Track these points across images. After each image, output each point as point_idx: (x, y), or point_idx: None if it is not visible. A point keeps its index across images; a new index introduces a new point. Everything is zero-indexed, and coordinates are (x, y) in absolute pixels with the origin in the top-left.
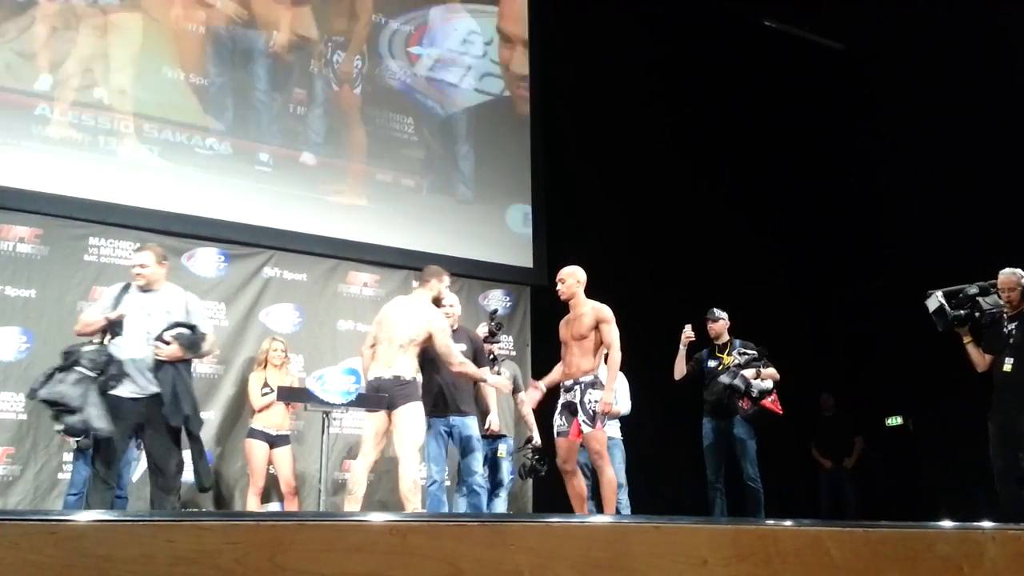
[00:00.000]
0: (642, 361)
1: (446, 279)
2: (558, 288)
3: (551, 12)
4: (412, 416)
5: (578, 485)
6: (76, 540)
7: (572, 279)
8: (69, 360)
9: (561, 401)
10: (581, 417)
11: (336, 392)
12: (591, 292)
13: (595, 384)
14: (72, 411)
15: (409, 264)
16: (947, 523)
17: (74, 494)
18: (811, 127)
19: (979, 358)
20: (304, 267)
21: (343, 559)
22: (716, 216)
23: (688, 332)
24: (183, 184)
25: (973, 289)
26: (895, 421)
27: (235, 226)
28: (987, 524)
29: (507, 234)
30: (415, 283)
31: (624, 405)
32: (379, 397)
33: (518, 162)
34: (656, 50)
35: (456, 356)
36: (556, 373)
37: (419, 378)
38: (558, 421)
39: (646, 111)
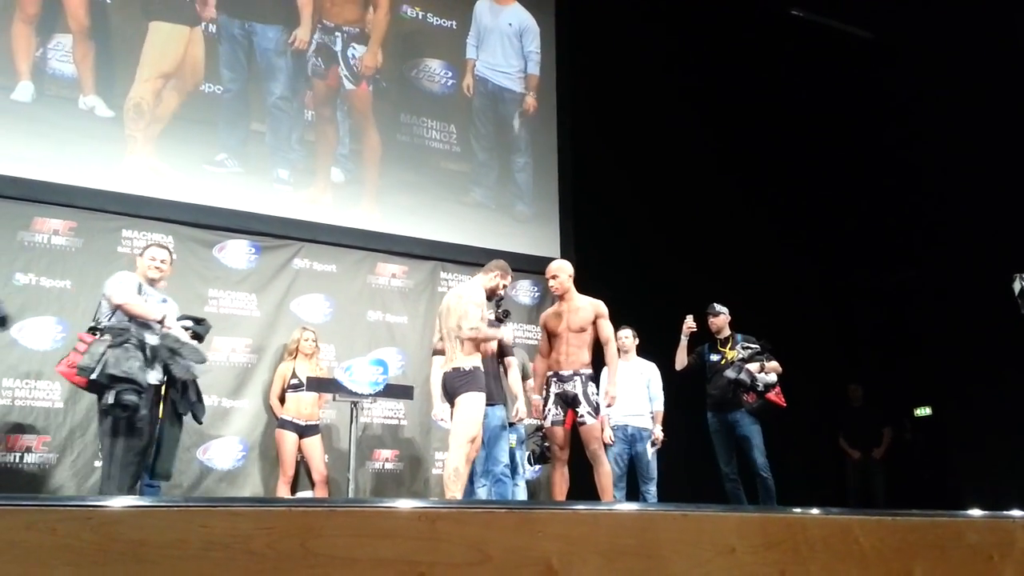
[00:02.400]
0: (666, 352)
1: (509, 277)
2: (551, 284)
3: (575, 2)
4: (466, 406)
5: (566, 473)
6: (112, 525)
7: (564, 274)
8: (122, 339)
9: (555, 391)
10: (584, 409)
11: (364, 383)
12: (615, 283)
13: (594, 378)
14: (138, 391)
15: (437, 255)
16: (977, 512)
17: None
18: (841, 117)
19: None
20: (333, 258)
21: (373, 544)
22: (744, 206)
23: (690, 323)
24: (212, 180)
25: None
26: (924, 412)
27: (265, 218)
28: (1017, 513)
29: (535, 227)
30: (443, 274)
31: (658, 401)
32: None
33: (545, 155)
34: (681, 40)
35: (469, 322)
36: (542, 365)
37: (482, 367)
38: (554, 411)
39: (672, 102)
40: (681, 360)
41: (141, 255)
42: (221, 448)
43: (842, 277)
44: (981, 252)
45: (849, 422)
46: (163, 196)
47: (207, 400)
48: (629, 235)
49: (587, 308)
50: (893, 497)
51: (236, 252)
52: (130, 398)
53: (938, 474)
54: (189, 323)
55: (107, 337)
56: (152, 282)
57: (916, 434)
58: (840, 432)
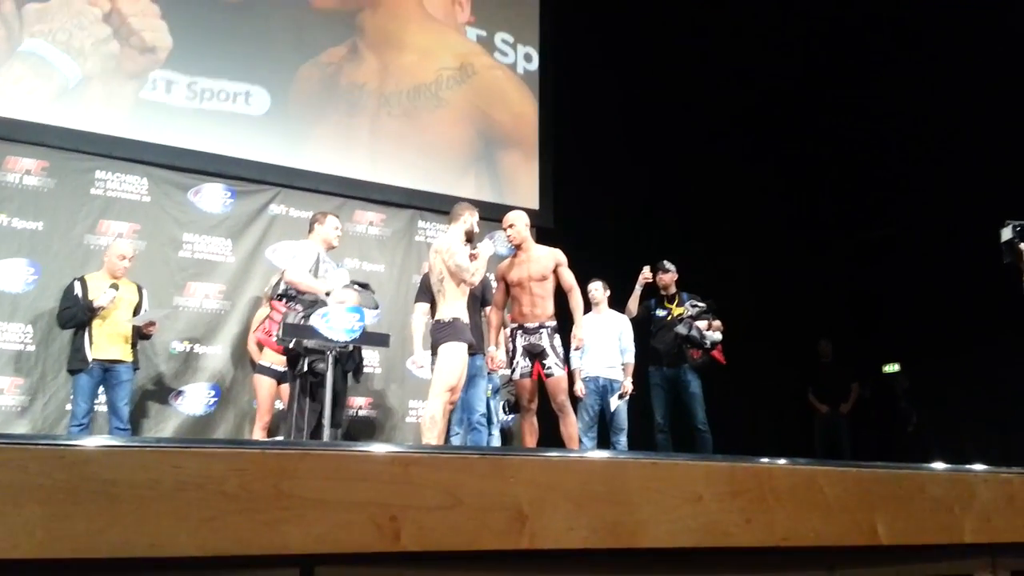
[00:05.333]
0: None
1: (476, 214)
2: (508, 233)
3: None
4: (443, 356)
5: (535, 424)
6: (84, 464)
7: (521, 223)
8: (312, 310)
9: (523, 343)
10: (553, 360)
11: (340, 330)
12: (593, 235)
13: (558, 329)
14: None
15: (415, 204)
16: (939, 465)
17: (77, 426)
18: (815, 71)
19: None
20: (310, 205)
21: (346, 487)
22: (718, 162)
23: (646, 273)
24: (190, 119)
25: None
26: (892, 368)
27: (242, 162)
28: (979, 467)
29: (514, 177)
30: (420, 222)
31: (629, 354)
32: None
33: (526, 106)
34: None
35: (466, 271)
36: (496, 317)
37: (464, 317)
38: (522, 363)
39: (651, 56)
40: (633, 308)
41: (323, 223)
42: (192, 394)
43: (817, 233)
44: (953, 211)
45: (818, 377)
46: (138, 137)
47: (180, 345)
48: (608, 187)
49: (546, 256)
50: (858, 452)
51: (212, 196)
52: (321, 367)
53: (902, 428)
54: (357, 288)
55: (299, 308)
56: (332, 250)
57: (876, 390)
58: (809, 387)
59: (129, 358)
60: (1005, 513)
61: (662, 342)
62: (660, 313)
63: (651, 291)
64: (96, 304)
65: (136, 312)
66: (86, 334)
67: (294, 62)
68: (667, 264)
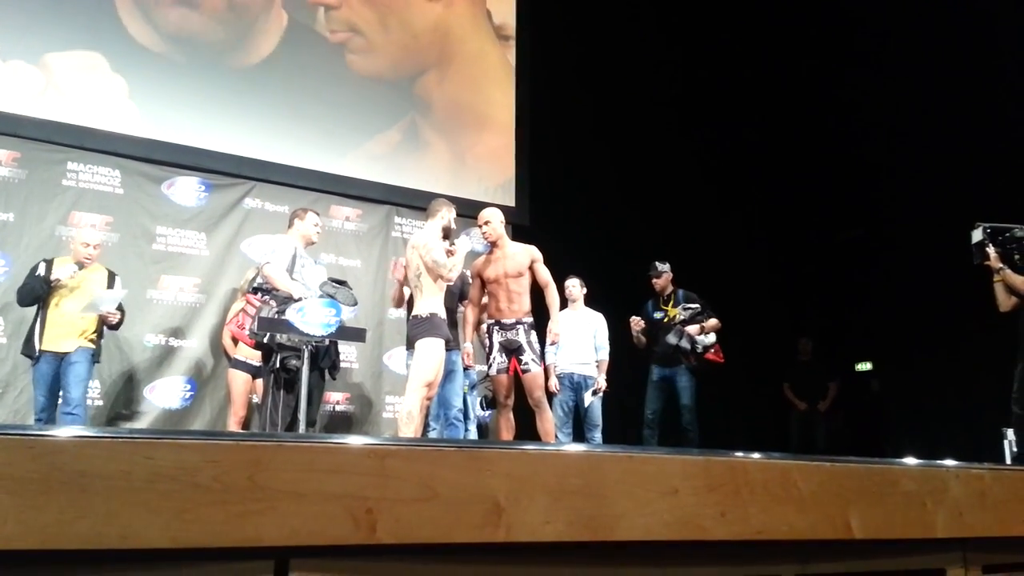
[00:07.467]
0: (615, 302)
1: (453, 210)
2: (483, 230)
3: None
4: (421, 352)
5: (511, 419)
6: (54, 455)
7: (496, 220)
8: (287, 306)
9: (499, 340)
10: (529, 357)
11: (316, 324)
12: (569, 232)
13: (535, 325)
14: (300, 355)
15: (391, 199)
16: (912, 460)
17: (38, 419)
18: (788, 72)
19: (1004, 299)
20: (286, 199)
21: (321, 479)
22: (693, 163)
23: (639, 325)
24: (164, 111)
25: (1020, 232)
26: (865, 366)
27: (216, 155)
28: (950, 463)
29: (490, 174)
30: (397, 218)
31: (604, 351)
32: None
33: (503, 103)
34: None
35: (443, 267)
36: (472, 314)
37: (441, 313)
38: (499, 359)
39: (629, 55)
40: (641, 342)
41: (303, 219)
42: (167, 387)
43: (795, 233)
44: (930, 212)
45: (797, 375)
46: (111, 128)
47: (154, 339)
48: (584, 185)
49: (522, 253)
50: (833, 450)
51: (185, 189)
52: (293, 363)
53: (877, 426)
54: (333, 288)
55: (273, 304)
56: (311, 245)
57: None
58: (787, 384)
59: (87, 347)
60: (977, 508)
61: (660, 345)
62: (657, 315)
63: (647, 291)
64: (54, 276)
65: None
66: (38, 323)
67: (328, 158)
68: (659, 266)
